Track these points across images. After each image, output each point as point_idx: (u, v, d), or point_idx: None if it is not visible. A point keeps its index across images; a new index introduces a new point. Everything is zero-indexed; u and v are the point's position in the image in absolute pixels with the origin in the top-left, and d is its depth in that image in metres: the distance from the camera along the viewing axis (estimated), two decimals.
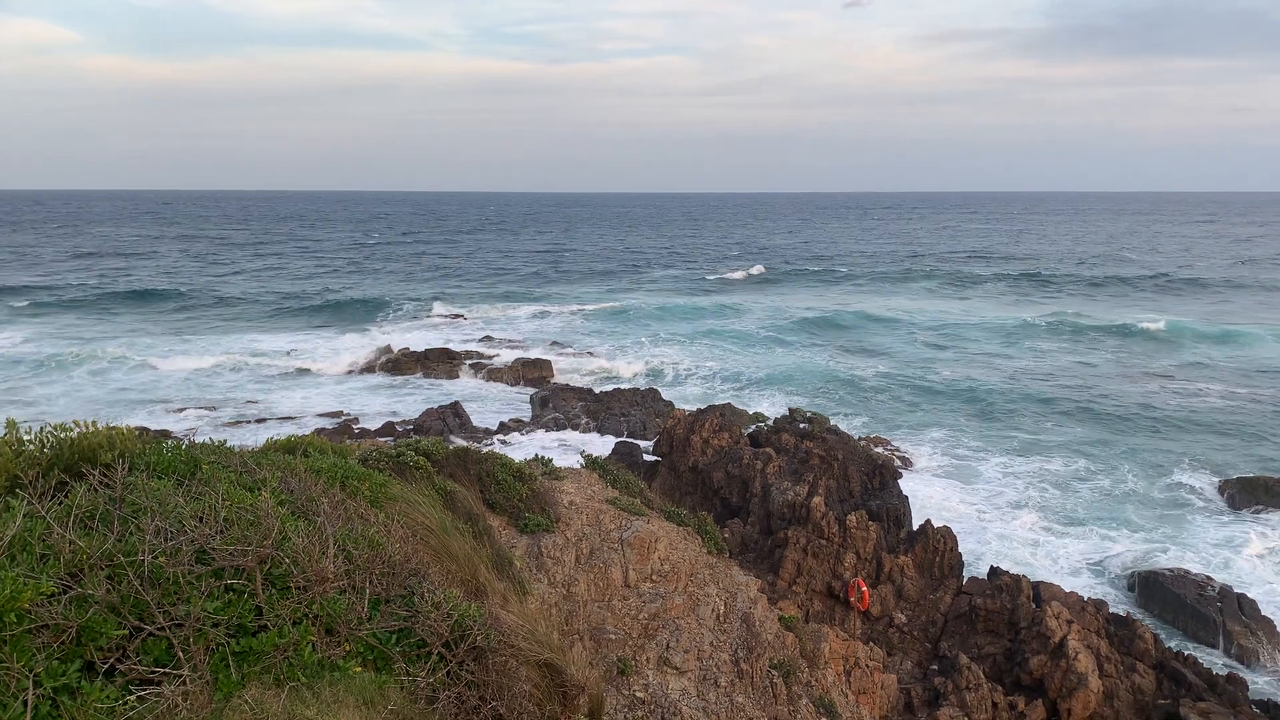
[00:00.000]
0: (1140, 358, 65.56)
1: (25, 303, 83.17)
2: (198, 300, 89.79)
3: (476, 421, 45.36)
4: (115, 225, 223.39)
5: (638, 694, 9.90)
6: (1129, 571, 29.91)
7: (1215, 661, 24.88)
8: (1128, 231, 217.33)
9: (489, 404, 50.89)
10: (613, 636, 10.42)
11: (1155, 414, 49.52)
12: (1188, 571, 28.99)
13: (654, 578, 11.73)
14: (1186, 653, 24.30)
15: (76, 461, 5.42)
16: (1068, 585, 27.53)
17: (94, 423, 5.78)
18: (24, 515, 4.37)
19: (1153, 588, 28.26)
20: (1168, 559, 31.02)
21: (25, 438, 5.55)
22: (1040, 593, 25.49)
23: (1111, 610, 25.78)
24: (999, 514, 35.23)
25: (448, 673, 4.75)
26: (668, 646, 10.70)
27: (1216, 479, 38.57)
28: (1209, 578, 28.54)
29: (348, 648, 4.53)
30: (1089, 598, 26.12)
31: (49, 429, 5.58)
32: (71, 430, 5.65)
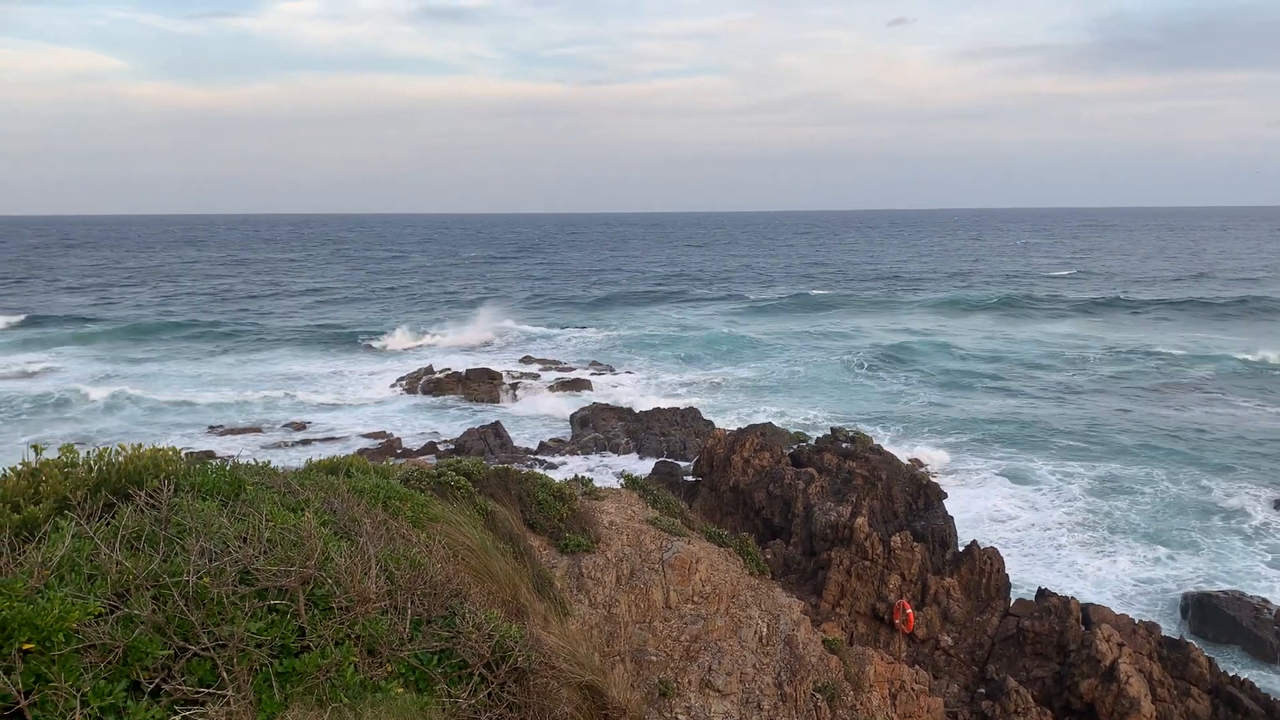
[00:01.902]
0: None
1: (71, 330, 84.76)
2: (236, 326, 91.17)
3: (517, 441, 45.50)
4: (173, 249, 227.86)
5: (680, 716, 9.81)
6: (1182, 593, 29.23)
7: (1274, 686, 24.18)
8: (1214, 249, 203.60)
9: (529, 424, 51.06)
10: (654, 658, 10.35)
11: (1208, 433, 48.54)
12: (1243, 594, 28.27)
13: (695, 599, 11.65)
14: (1243, 677, 23.66)
15: (123, 484, 5.49)
16: (1117, 607, 26.96)
17: (139, 445, 5.86)
18: (72, 536, 4.43)
19: (1207, 610, 27.57)
20: (1222, 581, 30.29)
21: (75, 460, 5.65)
22: (1090, 615, 24.98)
23: (1164, 633, 25.20)
24: (1047, 534, 34.63)
25: (489, 694, 4.73)
26: (710, 669, 10.60)
27: (1275, 496, 37.65)
28: (1265, 600, 27.80)
29: (390, 668, 4.53)
30: (1140, 620, 25.55)
31: (95, 452, 5.67)
32: (118, 453, 5.73)
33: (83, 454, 5.76)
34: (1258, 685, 23.30)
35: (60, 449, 5.79)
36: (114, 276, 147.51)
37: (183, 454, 6.41)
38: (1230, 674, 23.77)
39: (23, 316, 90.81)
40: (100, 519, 4.90)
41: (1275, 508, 36.61)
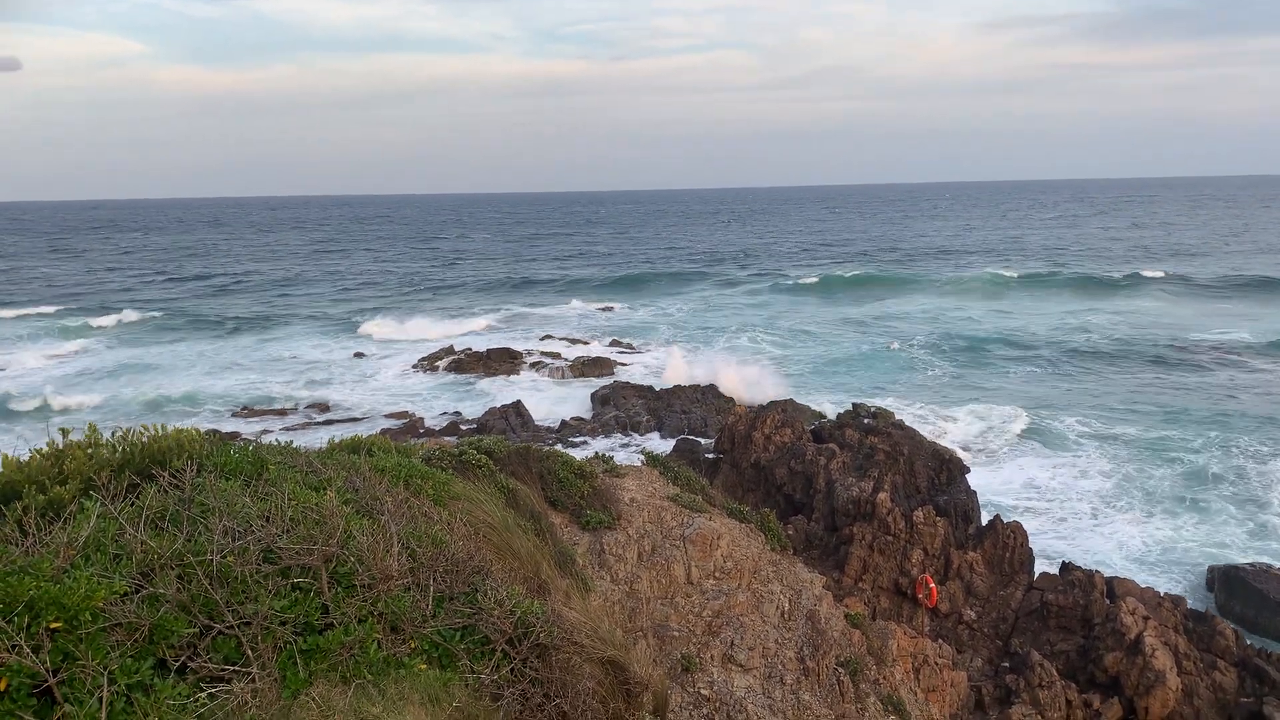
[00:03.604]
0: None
1: (110, 319, 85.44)
2: (255, 311, 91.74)
3: (538, 420, 45.62)
4: (199, 231, 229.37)
5: (703, 691, 9.85)
6: (1208, 566, 29.03)
7: None
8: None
9: (551, 402, 51.16)
10: (676, 634, 10.39)
11: (1236, 403, 48.10)
12: (1270, 565, 28.04)
13: (717, 575, 11.67)
14: (1270, 650, 23.50)
15: (147, 464, 5.54)
16: (1143, 581, 26.81)
17: (163, 426, 5.91)
18: (98, 516, 4.47)
19: (1233, 583, 27.37)
20: (1250, 553, 30.07)
21: (99, 441, 5.70)
22: (1114, 588, 24.85)
23: (1189, 606, 25.05)
24: (1070, 507, 34.46)
25: (512, 670, 4.76)
26: (732, 644, 10.63)
27: None
28: None
29: (412, 645, 4.56)
30: (1165, 593, 25.41)
31: (120, 433, 5.72)
32: (142, 434, 5.78)
33: (106, 435, 5.81)
34: None
35: (85, 430, 5.84)
36: (144, 260, 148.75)
37: (205, 435, 6.46)
38: (1257, 647, 23.63)
39: (56, 307, 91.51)
40: (125, 499, 4.94)
41: None
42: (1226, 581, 27.61)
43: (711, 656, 10.36)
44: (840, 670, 11.83)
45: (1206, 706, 21.21)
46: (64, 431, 5.85)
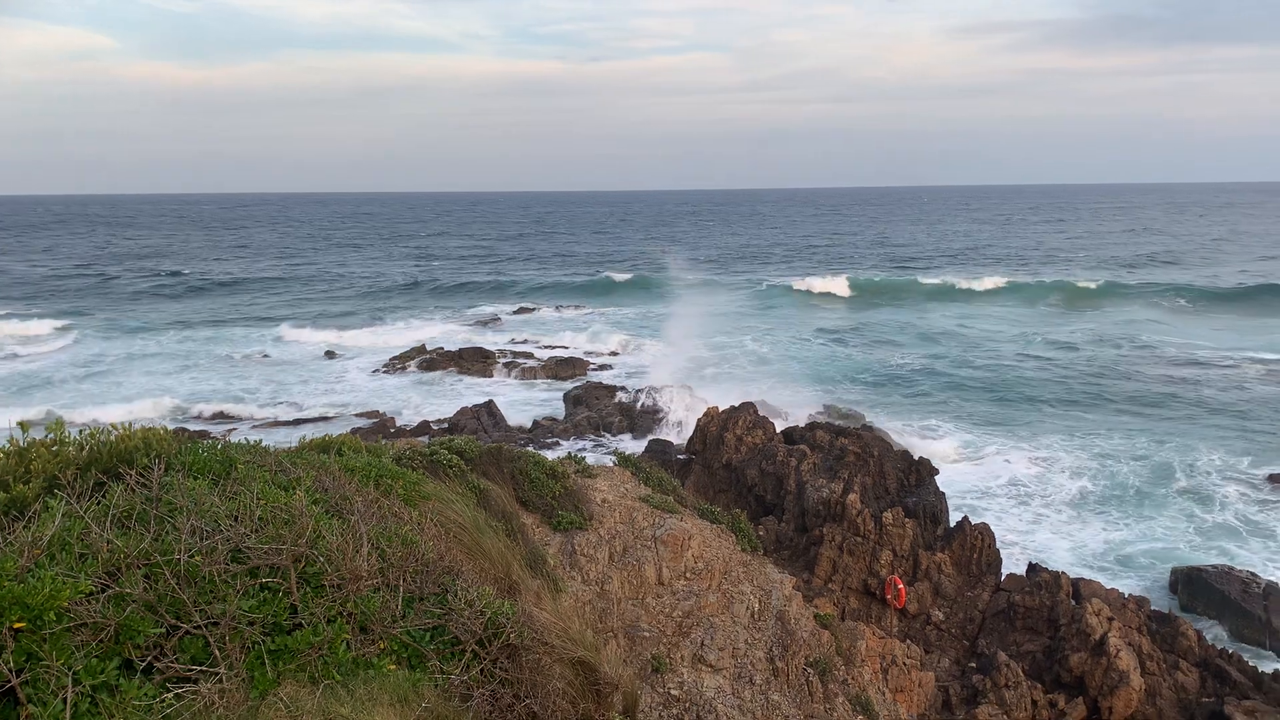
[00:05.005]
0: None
1: (64, 305, 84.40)
2: (233, 305, 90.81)
3: (510, 420, 45.51)
4: (171, 228, 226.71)
5: (673, 691, 9.87)
6: (1170, 567, 29.44)
7: (1261, 659, 24.40)
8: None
9: (523, 403, 51.06)
10: (647, 634, 10.41)
11: (1199, 402, 48.82)
12: (1232, 568, 28.48)
13: (688, 575, 11.70)
14: (1231, 650, 23.87)
15: (114, 463, 5.48)
16: (1108, 582, 27.16)
17: (130, 425, 5.85)
18: (62, 515, 4.42)
19: (1195, 584, 27.79)
20: (1211, 555, 30.53)
21: (64, 439, 5.63)
22: (1080, 589, 25.15)
23: (1153, 607, 25.40)
24: (1035, 509, 34.84)
25: (482, 670, 4.75)
26: (702, 644, 10.67)
27: (1264, 471, 37.89)
28: (1254, 574, 27.99)
29: (382, 645, 4.54)
30: (1130, 594, 25.75)
31: (86, 431, 5.66)
32: (109, 432, 5.72)
33: (73, 433, 5.75)
34: (1245, 658, 23.52)
35: (49, 427, 5.77)
36: (113, 255, 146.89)
37: (173, 433, 6.40)
38: (1219, 647, 23.99)
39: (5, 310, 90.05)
40: (91, 498, 4.89)
41: (1269, 481, 36.82)
42: (1189, 583, 28.02)
43: (682, 657, 10.39)
44: (809, 670, 11.90)
45: (1169, 706, 21.51)
46: (23, 426, 5.78)
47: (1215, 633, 26.03)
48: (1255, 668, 22.91)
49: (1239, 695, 21.40)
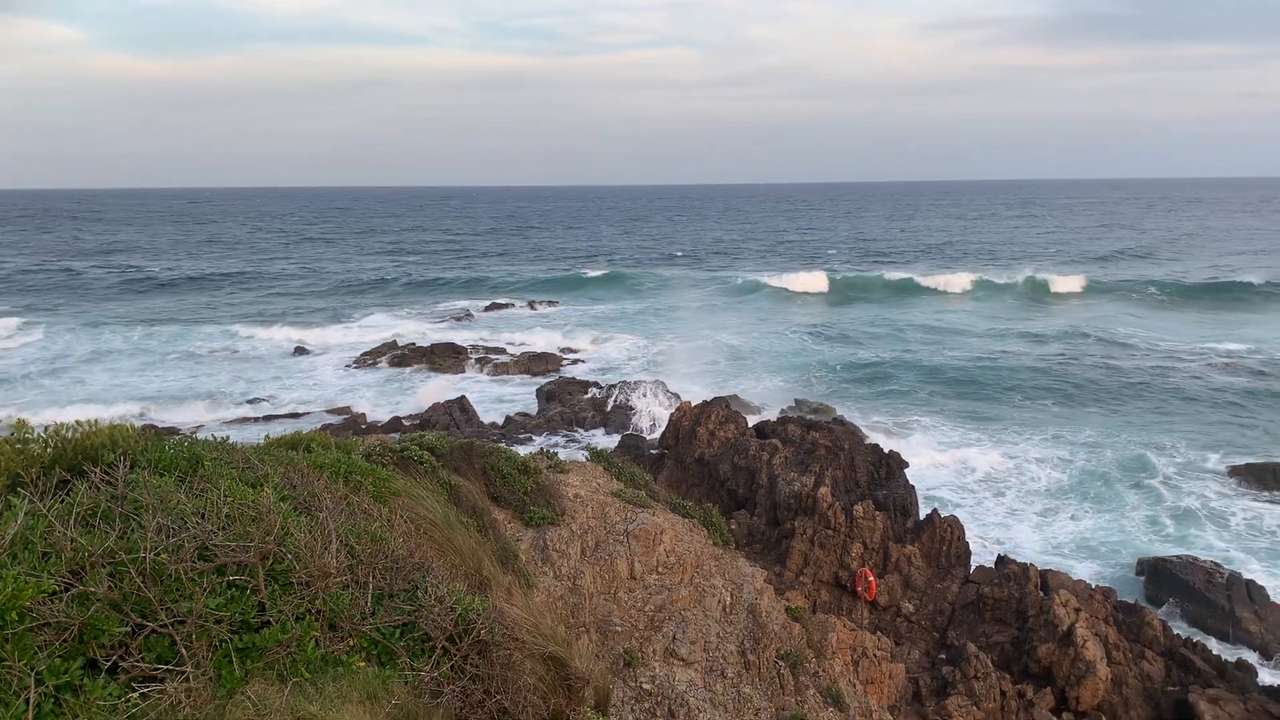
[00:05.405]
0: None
1: (31, 302, 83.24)
2: (199, 300, 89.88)
3: (483, 416, 45.36)
4: (141, 224, 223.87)
5: (644, 685, 9.90)
6: (1137, 558, 29.85)
7: (1224, 648, 24.82)
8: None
9: (495, 398, 50.92)
10: (619, 629, 10.43)
11: (1165, 396, 49.47)
12: (1196, 558, 28.92)
13: (660, 570, 11.73)
14: (1195, 640, 24.25)
15: (78, 460, 5.43)
16: (1075, 573, 27.49)
17: (95, 422, 5.79)
18: (25, 513, 4.37)
19: (1161, 575, 28.20)
20: (1176, 545, 30.98)
21: (29, 437, 5.56)
22: (1048, 581, 25.45)
23: (1119, 598, 25.74)
24: (1006, 502, 35.19)
25: (452, 667, 4.75)
26: (674, 638, 10.70)
27: (1227, 464, 38.47)
28: (1218, 564, 28.45)
29: (351, 643, 4.53)
30: (1097, 585, 26.08)
31: (51, 428, 5.59)
32: (74, 430, 5.66)
33: (37, 430, 5.68)
34: (1209, 647, 23.91)
35: (16, 424, 5.70)
36: (80, 250, 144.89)
37: (139, 430, 6.34)
38: (1183, 637, 24.37)
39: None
40: (55, 496, 4.84)
41: (1231, 474, 37.39)
42: (1155, 573, 28.42)
43: (654, 651, 10.42)
44: (781, 663, 11.97)
45: (1135, 695, 21.82)
46: None
47: (1180, 623, 26.44)
48: (1219, 656, 23.30)
49: (1203, 684, 21.75)
